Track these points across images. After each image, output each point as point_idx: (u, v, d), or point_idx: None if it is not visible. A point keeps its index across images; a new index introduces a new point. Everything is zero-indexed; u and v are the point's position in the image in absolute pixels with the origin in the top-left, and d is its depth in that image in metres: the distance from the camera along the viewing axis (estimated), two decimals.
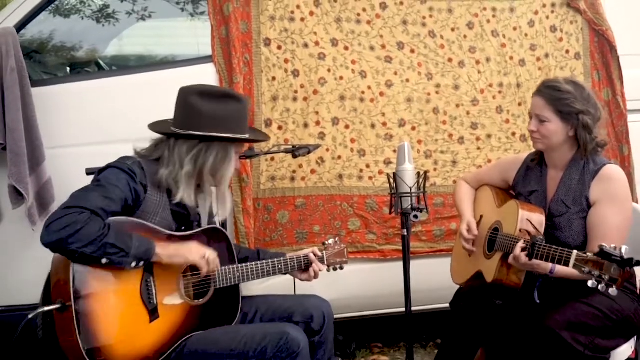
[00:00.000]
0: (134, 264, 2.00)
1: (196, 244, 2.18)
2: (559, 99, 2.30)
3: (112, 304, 2.01)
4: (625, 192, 2.28)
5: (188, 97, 2.18)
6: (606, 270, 1.88)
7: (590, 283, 1.90)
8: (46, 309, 1.99)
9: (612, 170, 2.31)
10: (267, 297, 2.49)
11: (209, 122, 2.15)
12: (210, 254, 2.16)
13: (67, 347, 1.97)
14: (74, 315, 1.93)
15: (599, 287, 1.88)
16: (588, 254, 1.95)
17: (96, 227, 1.93)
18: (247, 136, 2.27)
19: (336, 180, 3.12)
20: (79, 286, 1.95)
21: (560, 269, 2.13)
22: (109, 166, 2.13)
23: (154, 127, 2.26)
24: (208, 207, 2.43)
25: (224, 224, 2.66)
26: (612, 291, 1.87)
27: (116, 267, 1.99)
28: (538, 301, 2.29)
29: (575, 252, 1.98)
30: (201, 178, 2.20)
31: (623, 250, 1.87)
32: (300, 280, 2.51)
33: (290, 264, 2.44)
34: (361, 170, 3.15)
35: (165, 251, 2.08)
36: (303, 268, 2.47)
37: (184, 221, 2.27)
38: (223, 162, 2.20)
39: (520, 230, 2.27)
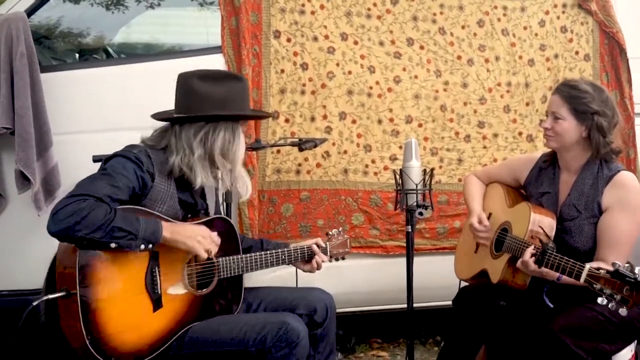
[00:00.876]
0: (142, 246, 1.99)
1: (205, 231, 2.16)
2: (576, 97, 2.29)
3: (116, 293, 2.01)
4: (637, 200, 2.26)
5: (189, 81, 2.19)
6: (618, 290, 1.85)
7: (600, 300, 1.88)
8: (51, 296, 1.98)
9: (626, 177, 2.29)
10: (270, 289, 2.50)
11: (212, 103, 2.15)
12: (214, 249, 2.16)
13: (71, 335, 1.97)
14: (79, 304, 1.93)
15: (609, 305, 1.86)
16: (601, 271, 1.91)
17: (102, 212, 1.93)
18: (251, 113, 2.29)
19: (341, 175, 3.12)
20: (85, 274, 1.95)
21: (568, 278, 2.10)
22: (115, 155, 2.13)
23: (157, 116, 2.26)
24: (214, 196, 2.44)
25: (228, 206, 2.69)
26: (622, 311, 1.85)
27: (122, 254, 1.99)
28: (552, 305, 2.28)
29: (587, 266, 1.96)
30: (213, 161, 2.20)
31: (637, 271, 1.84)
32: (303, 271, 2.51)
33: (294, 254, 2.44)
34: (366, 166, 3.15)
35: (172, 234, 2.06)
36: (306, 259, 2.47)
37: (191, 210, 2.28)
38: (232, 142, 2.19)
39: (532, 237, 2.26)
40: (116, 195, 2.01)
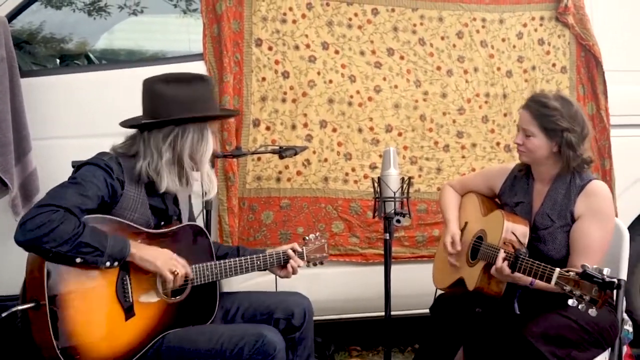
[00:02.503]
0: (108, 264, 1.99)
1: (170, 255, 2.15)
2: (545, 115, 2.32)
3: (87, 302, 2.00)
4: (609, 209, 2.31)
5: (154, 85, 2.19)
6: (587, 291, 1.90)
7: (570, 302, 1.92)
8: (20, 307, 1.97)
9: (598, 186, 2.34)
10: (248, 293, 2.50)
11: (179, 106, 2.15)
12: (180, 270, 2.14)
13: (42, 345, 1.96)
14: (48, 314, 1.91)
15: (579, 306, 1.90)
16: (570, 272, 1.96)
17: (70, 226, 1.92)
18: (218, 113, 2.30)
19: (321, 183, 3.14)
20: (53, 284, 1.94)
21: (540, 282, 2.14)
22: (86, 163, 2.12)
23: (125, 123, 2.25)
24: (188, 203, 2.44)
25: (208, 213, 2.67)
26: (592, 312, 1.89)
27: (91, 265, 1.98)
28: (518, 312, 2.32)
29: (557, 270, 2.00)
30: (181, 164, 2.19)
31: (605, 272, 1.88)
32: (279, 276, 2.50)
33: (269, 260, 2.43)
34: (347, 174, 3.17)
35: (139, 252, 2.06)
36: (282, 264, 2.46)
37: (163, 216, 2.27)
38: (200, 143, 2.19)
39: (504, 242, 2.29)
40: (85, 205, 2.00)
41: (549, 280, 2.01)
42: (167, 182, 2.17)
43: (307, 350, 2.40)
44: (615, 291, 1.92)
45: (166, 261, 2.11)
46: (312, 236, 2.59)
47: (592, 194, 2.31)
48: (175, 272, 2.12)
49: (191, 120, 2.17)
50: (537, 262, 2.09)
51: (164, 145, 2.15)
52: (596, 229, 2.27)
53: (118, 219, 2.10)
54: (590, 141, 2.47)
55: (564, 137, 2.30)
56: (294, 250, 2.47)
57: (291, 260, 2.45)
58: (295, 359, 2.35)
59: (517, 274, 2.16)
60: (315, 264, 2.60)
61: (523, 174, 2.52)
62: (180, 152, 2.17)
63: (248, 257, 2.38)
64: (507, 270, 2.17)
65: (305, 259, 2.53)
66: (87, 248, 1.94)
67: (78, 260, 1.94)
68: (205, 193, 2.31)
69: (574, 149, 2.31)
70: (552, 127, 2.31)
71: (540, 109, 2.34)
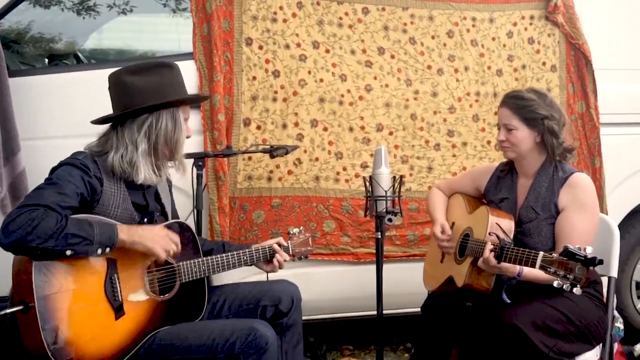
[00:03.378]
0: (99, 251, 1.97)
1: (162, 231, 2.15)
2: (524, 107, 2.38)
3: (76, 302, 1.98)
4: (592, 200, 2.35)
5: (121, 77, 2.18)
6: (571, 269, 1.94)
7: (555, 283, 1.96)
8: (8, 311, 1.95)
9: (580, 178, 2.37)
10: (234, 285, 2.50)
11: (150, 94, 2.14)
12: (173, 248, 2.15)
13: (33, 348, 1.94)
14: (38, 316, 1.90)
15: (564, 286, 1.94)
16: (554, 254, 2.01)
17: (53, 220, 1.90)
18: (190, 96, 2.29)
19: (313, 182, 3.14)
20: (41, 286, 1.92)
21: (527, 272, 2.19)
22: (61, 164, 2.11)
23: (97, 121, 2.23)
24: (169, 196, 2.43)
25: (199, 212, 2.68)
26: (577, 290, 1.92)
27: (79, 263, 1.97)
28: (509, 301, 2.33)
29: (541, 253, 2.04)
30: (157, 154, 2.19)
31: (588, 251, 1.93)
32: (266, 271, 2.51)
33: (256, 255, 2.43)
34: (338, 173, 3.17)
35: (130, 235, 2.05)
36: (268, 259, 2.47)
37: (144, 212, 2.26)
38: (174, 129, 2.19)
39: (489, 234, 2.31)
40: (65, 203, 1.98)
41: (533, 265, 2.04)
42: (144, 173, 2.16)
43: (297, 336, 2.41)
44: (606, 286, 1.94)
45: (157, 240, 2.11)
46: (296, 230, 2.61)
47: (575, 186, 2.35)
48: (168, 251, 2.12)
49: (164, 107, 2.16)
50: (521, 249, 2.12)
51: (139, 135, 2.15)
52: (580, 220, 2.30)
53: (102, 217, 2.08)
54: (569, 130, 2.52)
55: (545, 124, 2.36)
56: (280, 245, 2.48)
57: (277, 255, 2.46)
58: (284, 345, 2.36)
59: (504, 264, 2.18)
60: (300, 258, 2.60)
61: (507, 171, 2.56)
62: (156, 140, 2.17)
63: (234, 252, 2.39)
64: (494, 261, 2.19)
65: (291, 252, 2.54)
66: (74, 239, 1.93)
67: (68, 252, 1.93)
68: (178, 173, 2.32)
69: (556, 135, 2.37)
70: (532, 117, 2.37)
71: (517, 102, 2.40)
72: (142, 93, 2.14)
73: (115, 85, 2.20)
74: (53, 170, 2.10)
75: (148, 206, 2.28)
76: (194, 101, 2.57)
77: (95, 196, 2.10)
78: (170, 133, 2.18)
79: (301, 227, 2.64)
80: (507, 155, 2.48)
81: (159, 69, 2.21)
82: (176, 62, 2.92)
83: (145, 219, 2.25)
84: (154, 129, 2.16)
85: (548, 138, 2.37)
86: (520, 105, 2.39)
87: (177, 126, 2.20)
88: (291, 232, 2.60)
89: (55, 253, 1.92)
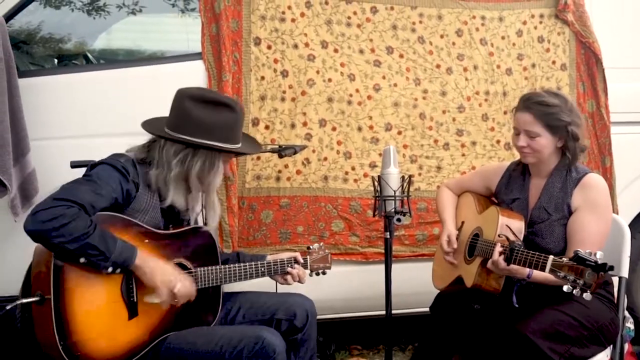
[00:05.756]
0: (110, 270, 1.97)
1: (173, 271, 2.11)
2: (549, 114, 2.32)
3: (91, 299, 2.00)
4: (605, 201, 2.33)
5: (182, 99, 2.17)
6: (581, 275, 1.92)
7: (565, 288, 1.94)
8: (25, 300, 1.97)
9: (594, 179, 2.35)
10: (250, 294, 2.49)
11: (197, 128, 2.13)
12: (180, 289, 2.09)
13: (44, 341, 1.96)
14: (52, 309, 1.92)
15: (574, 291, 1.92)
16: (564, 259, 1.99)
17: (82, 224, 1.91)
18: (236, 147, 2.23)
19: (321, 182, 3.13)
20: (59, 279, 1.94)
21: (537, 274, 2.16)
22: (102, 162, 2.12)
23: (146, 125, 2.24)
24: (199, 207, 2.42)
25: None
26: (587, 296, 1.91)
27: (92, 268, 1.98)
28: (517, 305, 2.32)
29: (551, 257, 2.02)
30: (189, 182, 2.19)
31: (598, 256, 1.91)
32: (279, 282, 2.52)
33: (274, 267, 2.44)
34: (346, 173, 3.16)
35: (142, 265, 2.03)
36: (286, 272, 2.48)
37: (174, 220, 2.27)
38: (210, 170, 2.19)
39: (499, 236, 2.30)
40: (98, 204, 2.00)
41: (543, 268, 2.02)
42: (173, 196, 2.17)
43: (310, 352, 2.39)
44: (616, 287, 1.92)
45: (165, 278, 2.07)
46: (316, 246, 2.61)
47: (588, 187, 2.33)
48: (174, 290, 2.08)
49: (204, 147, 2.16)
50: (531, 252, 2.10)
51: (174, 160, 2.15)
52: (593, 221, 2.28)
53: (127, 217, 2.10)
54: (586, 132, 2.49)
55: (569, 131, 2.32)
56: (297, 261, 2.49)
57: (297, 270, 2.47)
58: None
59: (513, 267, 2.17)
60: (318, 274, 2.62)
61: (519, 171, 2.53)
62: (188, 171, 2.17)
63: (252, 263, 2.39)
64: (503, 264, 2.18)
65: (309, 268, 2.56)
66: (93, 250, 1.93)
67: (82, 260, 1.94)
68: (205, 223, 2.32)
69: (579, 139, 2.34)
70: (557, 124, 2.33)
71: (542, 108, 2.33)
72: (189, 123, 2.13)
73: (175, 102, 2.20)
74: (92, 166, 2.11)
75: (179, 214, 2.28)
76: (234, 154, 2.42)
77: (129, 200, 2.11)
78: (205, 172, 2.18)
79: (322, 244, 2.64)
80: (526, 160, 2.44)
81: (219, 106, 2.18)
82: (184, 62, 3.00)
83: (171, 225, 2.26)
84: (188, 161, 2.16)
85: (571, 143, 2.34)
86: (545, 112, 2.32)
87: (213, 169, 2.19)
88: (311, 248, 2.60)
89: (71, 255, 1.93)
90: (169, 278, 2.08)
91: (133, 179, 2.11)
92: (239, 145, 2.25)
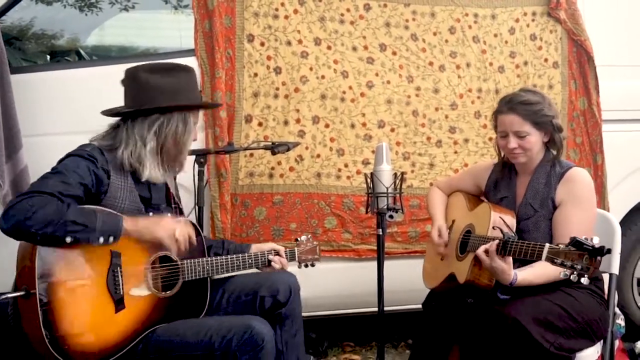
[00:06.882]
0: (101, 240, 1.98)
1: (168, 220, 2.16)
2: (535, 112, 2.35)
3: (77, 292, 2.00)
4: (588, 194, 2.34)
5: (138, 74, 2.19)
6: (578, 260, 1.92)
7: (562, 274, 1.93)
8: (10, 295, 1.97)
9: (577, 173, 2.37)
10: (232, 277, 2.50)
11: (162, 95, 2.16)
12: (181, 232, 2.14)
13: (32, 336, 1.96)
14: (38, 303, 1.92)
15: (571, 277, 1.91)
16: (560, 245, 1.98)
17: (52, 207, 1.92)
18: (202, 103, 2.33)
19: (314, 179, 3.14)
20: (44, 273, 1.94)
21: (522, 278, 2.17)
22: (68, 155, 2.12)
23: (108, 111, 2.25)
24: (175, 186, 2.45)
25: (200, 209, 2.69)
26: (584, 280, 1.90)
27: (82, 254, 1.98)
28: (503, 297, 2.32)
29: (547, 244, 2.01)
30: (164, 153, 2.21)
31: (595, 241, 1.91)
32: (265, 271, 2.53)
33: (261, 259, 2.46)
34: (339, 170, 3.17)
35: (135, 227, 2.07)
36: (270, 263, 2.50)
37: (150, 204, 2.28)
38: (184, 132, 2.22)
39: (493, 228, 2.31)
40: (67, 191, 1.99)
41: (539, 257, 2.02)
42: (150, 170, 2.18)
43: (296, 325, 2.42)
44: (607, 282, 1.93)
45: (164, 227, 2.11)
46: (303, 238, 2.64)
47: (571, 181, 2.35)
48: (175, 234, 2.12)
49: (177, 109, 2.18)
50: (526, 242, 2.11)
51: (149, 133, 2.17)
52: (577, 215, 2.30)
53: (109, 209, 2.09)
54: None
55: (553, 124, 2.37)
56: (277, 253, 2.51)
57: (281, 258, 2.49)
58: (283, 335, 2.38)
59: (500, 264, 2.15)
60: (306, 265, 2.64)
61: (506, 170, 2.56)
62: (165, 140, 2.19)
63: (240, 255, 2.42)
64: (498, 256, 2.17)
65: (297, 259, 2.58)
66: (74, 226, 1.93)
67: (68, 239, 1.93)
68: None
69: (562, 130, 2.41)
70: (543, 120, 2.37)
71: (527, 108, 2.36)
72: (156, 93, 2.16)
73: (132, 81, 2.21)
74: (60, 161, 2.11)
75: (151, 199, 2.29)
76: (208, 107, 2.62)
77: (102, 188, 2.11)
78: (180, 135, 2.21)
79: (309, 235, 2.67)
80: (518, 160, 2.44)
81: (176, 71, 2.23)
82: (177, 59, 2.99)
83: (151, 212, 2.25)
84: (164, 130, 2.18)
85: (557, 136, 2.38)
86: (531, 110, 2.34)
87: (187, 130, 2.23)
88: (299, 239, 2.63)
89: (55, 239, 1.93)
90: (168, 226, 2.12)
91: (102, 166, 2.11)
92: (205, 101, 2.37)
